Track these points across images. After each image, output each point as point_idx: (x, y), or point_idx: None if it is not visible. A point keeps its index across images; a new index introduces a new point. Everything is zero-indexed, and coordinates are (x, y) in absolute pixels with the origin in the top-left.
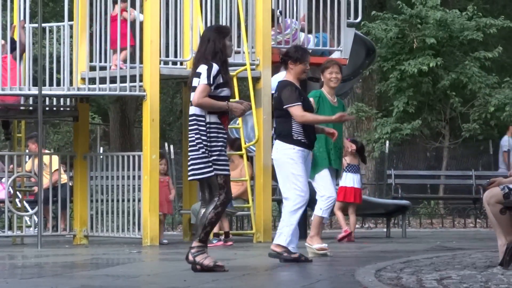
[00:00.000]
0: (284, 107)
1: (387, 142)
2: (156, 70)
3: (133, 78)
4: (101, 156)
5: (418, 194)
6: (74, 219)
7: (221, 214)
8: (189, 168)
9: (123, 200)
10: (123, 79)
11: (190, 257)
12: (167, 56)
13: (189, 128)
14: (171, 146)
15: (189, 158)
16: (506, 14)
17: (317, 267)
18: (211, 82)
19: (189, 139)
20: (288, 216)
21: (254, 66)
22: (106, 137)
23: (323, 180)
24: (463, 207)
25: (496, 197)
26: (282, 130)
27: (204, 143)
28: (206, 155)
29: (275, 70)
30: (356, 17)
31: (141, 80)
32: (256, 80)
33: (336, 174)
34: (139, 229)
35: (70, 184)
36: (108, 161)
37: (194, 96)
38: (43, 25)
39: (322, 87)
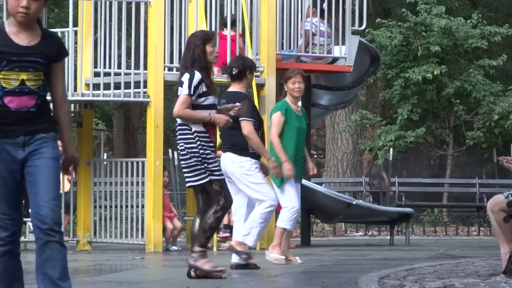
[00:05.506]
0: (240, 119)
1: (391, 149)
2: (160, 76)
3: (137, 84)
4: (105, 162)
5: (421, 202)
6: (78, 225)
7: (221, 218)
8: (185, 176)
9: (126, 206)
10: (127, 85)
11: (191, 261)
12: (172, 62)
13: (178, 137)
14: (175, 153)
15: (182, 167)
16: (510, 22)
17: (320, 273)
18: (192, 93)
19: (179, 147)
20: (258, 217)
21: (258, 73)
22: (110, 143)
23: (287, 191)
24: (467, 215)
25: (500, 205)
26: (237, 143)
27: (194, 150)
28: (198, 162)
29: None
30: (360, 24)
31: (145, 86)
32: (260, 87)
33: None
34: (142, 235)
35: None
36: (112, 167)
37: (174, 107)
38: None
39: (285, 96)
